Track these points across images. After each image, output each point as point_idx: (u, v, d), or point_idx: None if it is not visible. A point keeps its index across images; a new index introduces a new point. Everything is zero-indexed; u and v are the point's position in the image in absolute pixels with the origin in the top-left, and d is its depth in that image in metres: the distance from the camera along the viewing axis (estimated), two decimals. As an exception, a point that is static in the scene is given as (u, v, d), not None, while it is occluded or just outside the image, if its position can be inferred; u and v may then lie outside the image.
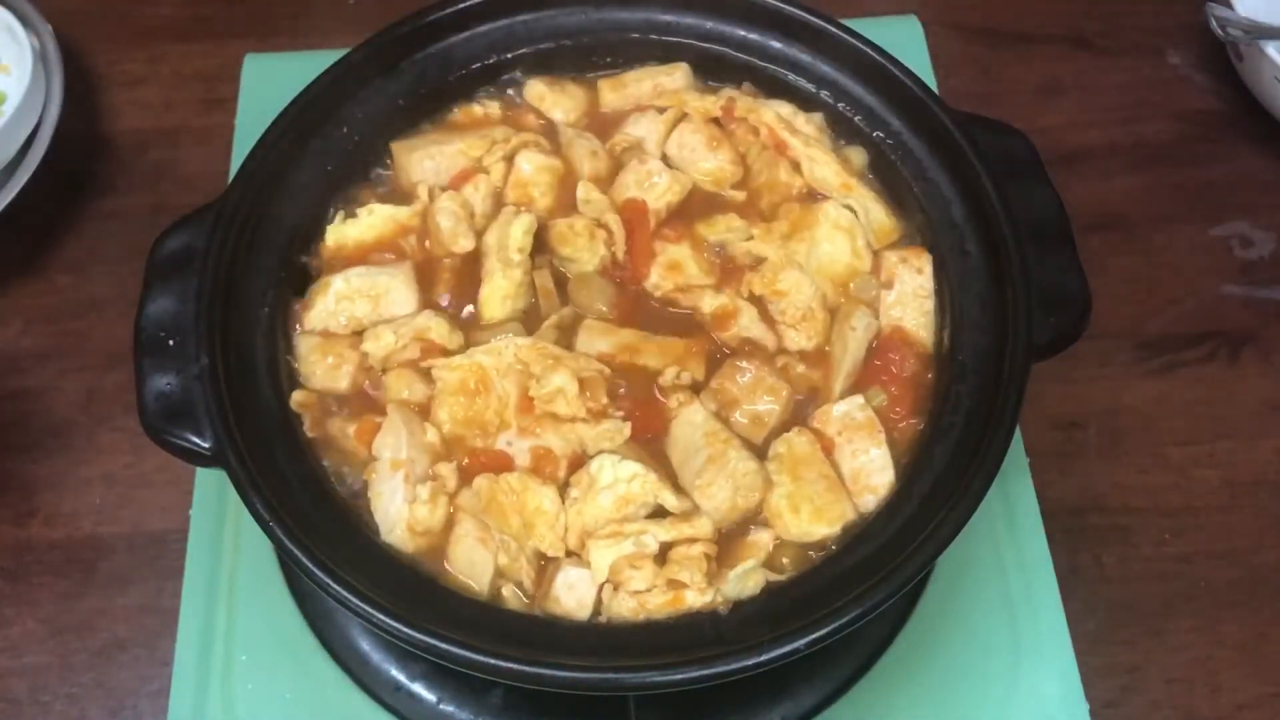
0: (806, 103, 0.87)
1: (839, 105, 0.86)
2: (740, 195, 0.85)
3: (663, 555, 0.71)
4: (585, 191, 0.83)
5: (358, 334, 0.78)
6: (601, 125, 0.88)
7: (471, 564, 0.71)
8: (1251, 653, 0.88)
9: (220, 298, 0.75)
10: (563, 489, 0.73)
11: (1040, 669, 0.82)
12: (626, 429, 0.74)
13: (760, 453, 0.75)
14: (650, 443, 0.75)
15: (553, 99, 0.88)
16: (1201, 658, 0.88)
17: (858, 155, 0.86)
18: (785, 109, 0.86)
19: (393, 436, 0.73)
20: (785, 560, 0.72)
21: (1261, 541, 0.92)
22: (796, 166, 0.85)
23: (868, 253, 0.82)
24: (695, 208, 0.85)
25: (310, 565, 0.66)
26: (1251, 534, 0.93)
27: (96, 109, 1.12)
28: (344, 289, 0.79)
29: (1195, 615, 0.89)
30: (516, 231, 0.80)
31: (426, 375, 0.76)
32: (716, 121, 0.87)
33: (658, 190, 0.83)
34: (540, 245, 0.81)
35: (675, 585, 0.70)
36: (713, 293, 0.80)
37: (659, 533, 0.70)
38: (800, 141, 0.84)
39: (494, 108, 0.89)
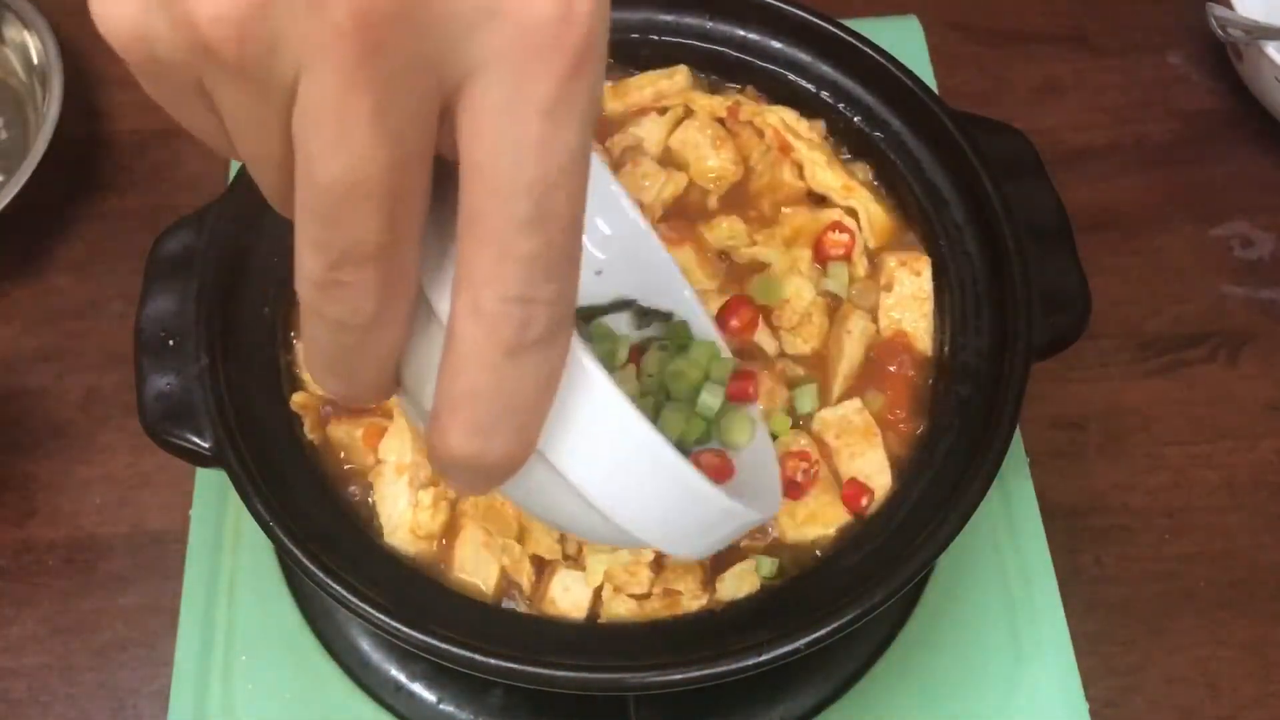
0: (808, 109, 0.87)
1: (839, 105, 0.86)
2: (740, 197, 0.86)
3: (658, 561, 0.71)
4: None
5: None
6: (602, 128, 0.88)
7: (477, 566, 0.71)
8: (1251, 653, 0.88)
9: (220, 298, 0.75)
10: None
11: (1040, 669, 0.82)
12: None
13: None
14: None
15: (552, 100, 0.88)
16: (1201, 658, 0.88)
17: (861, 171, 0.86)
18: (789, 115, 0.86)
19: (398, 440, 0.73)
20: (782, 563, 0.72)
21: (1261, 541, 0.92)
22: (799, 169, 0.85)
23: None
24: (694, 208, 0.85)
25: (310, 565, 0.66)
26: (1251, 534, 0.93)
27: (96, 109, 1.12)
28: (345, 293, 0.79)
29: (1195, 615, 0.89)
30: None
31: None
32: (721, 121, 0.88)
33: (652, 192, 0.83)
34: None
35: (670, 594, 0.70)
36: (716, 296, 0.80)
37: (656, 543, 0.70)
38: (804, 145, 0.84)
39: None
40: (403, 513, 0.71)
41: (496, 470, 0.42)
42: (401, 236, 0.37)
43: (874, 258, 0.83)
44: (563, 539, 0.72)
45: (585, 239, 0.63)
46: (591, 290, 0.64)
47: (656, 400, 0.63)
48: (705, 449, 0.61)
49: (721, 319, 0.78)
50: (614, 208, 0.63)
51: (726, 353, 0.65)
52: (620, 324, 0.65)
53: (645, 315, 0.65)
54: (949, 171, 0.82)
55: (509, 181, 0.36)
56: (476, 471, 0.41)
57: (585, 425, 0.43)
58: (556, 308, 0.38)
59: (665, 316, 0.65)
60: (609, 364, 0.62)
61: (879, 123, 0.85)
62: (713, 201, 0.85)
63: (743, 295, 0.79)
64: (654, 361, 0.63)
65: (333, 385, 0.42)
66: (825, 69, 0.86)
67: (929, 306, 0.80)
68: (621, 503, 0.46)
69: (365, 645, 0.82)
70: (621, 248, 0.64)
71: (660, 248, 0.65)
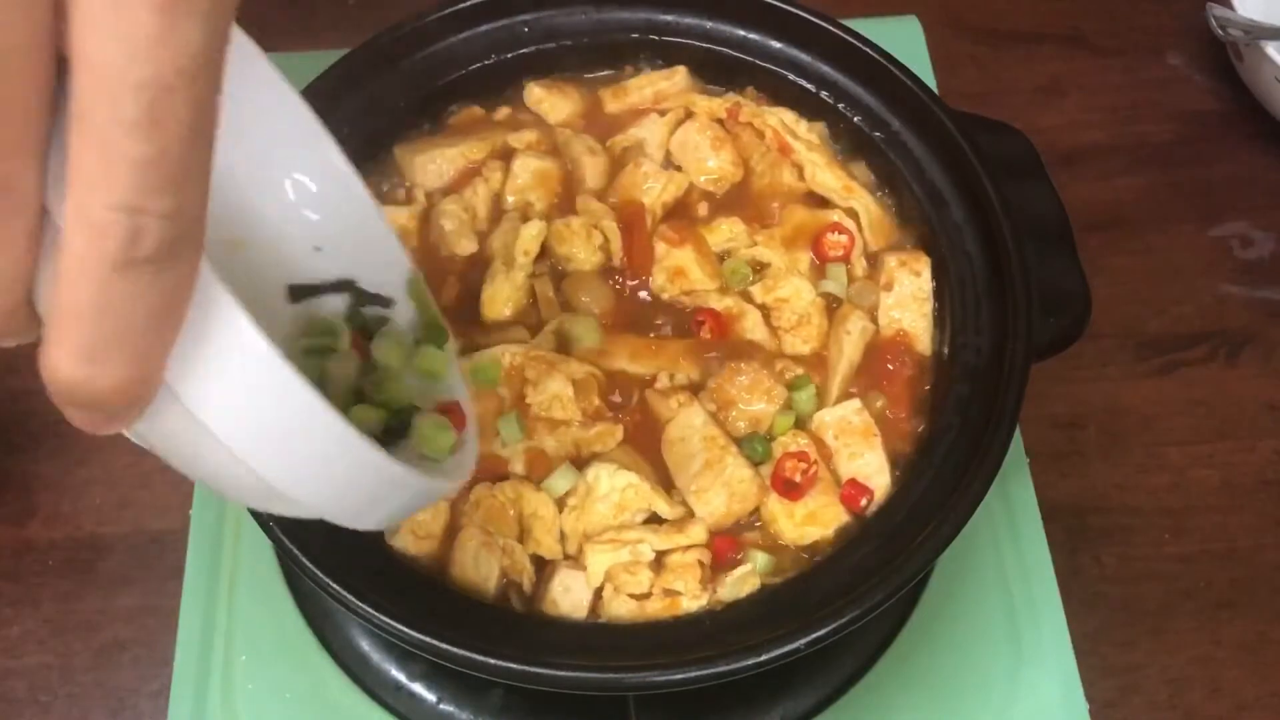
0: (809, 110, 0.87)
1: (839, 106, 0.86)
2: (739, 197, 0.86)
3: (659, 561, 0.71)
4: (584, 202, 0.83)
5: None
6: (602, 129, 0.88)
7: (478, 567, 0.71)
8: (1251, 653, 0.88)
9: (220, 298, 0.74)
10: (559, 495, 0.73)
11: (1040, 669, 0.82)
12: (619, 431, 0.75)
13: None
14: (647, 445, 0.75)
15: (551, 102, 0.88)
16: (1201, 658, 0.88)
17: (861, 171, 0.86)
18: (788, 116, 0.86)
19: (399, 439, 0.73)
20: (782, 563, 0.72)
21: (1261, 541, 0.93)
22: (799, 171, 0.85)
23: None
24: (694, 209, 0.85)
25: (310, 565, 0.66)
26: (1251, 534, 0.93)
27: (96, 109, 1.12)
28: (347, 295, 0.79)
29: (1195, 615, 0.89)
30: (527, 234, 0.80)
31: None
32: (721, 123, 0.88)
33: (653, 194, 0.83)
34: (541, 248, 0.81)
35: (671, 594, 0.70)
36: (717, 295, 0.80)
37: (655, 542, 0.71)
38: (803, 146, 0.84)
39: (493, 109, 0.89)
40: (403, 513, 0.71)
41: (113, 402, 0.38)
42: (7, 141, 0.34)
43: (874, 258, 0.83)
44: (563, 540, 0.72)
45: (294, 199, 0.60)
46: (310, 267, 0.61)
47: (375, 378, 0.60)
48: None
49: (693, 330, 0.78)
50: (336, 180, 0.60)
51: (451, 340, 0.63)
52: (336, 305, 0.62)
53: (365, 299, 0.62)
54: (949, 171, 0.82)
55: (117, 78, 0.33)
56: (91, 403, 0.38)
57: (224, 368, 0.38)
58: (175, 224, 0.35)
59: (387, 302, 0.63)
60: (326, 355, 0.59)
61: (879, 123, 0.85)
62: (713, 202, 0.85)
63: (707, 307, 0.79)
64: (391, 351, 0.60)
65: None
66: (825, 69, 0.86)
67: (929, 306, 0.80)
68: (267, 457, 0.41)
69: (365, 645, 0.82)
70: (345, 224, 0.61)
71: (388, 230, 0.62)
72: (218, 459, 0.41)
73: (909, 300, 0.80)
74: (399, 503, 0.49)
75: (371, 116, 0.84)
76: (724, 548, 0.72)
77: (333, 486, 0.44)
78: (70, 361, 0.37)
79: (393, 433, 0.57)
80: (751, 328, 0.79)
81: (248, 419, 0.40)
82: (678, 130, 0.87)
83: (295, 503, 0.44)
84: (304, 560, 0.66)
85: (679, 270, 0.80)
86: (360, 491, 0.46)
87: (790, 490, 0.73)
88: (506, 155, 0.86)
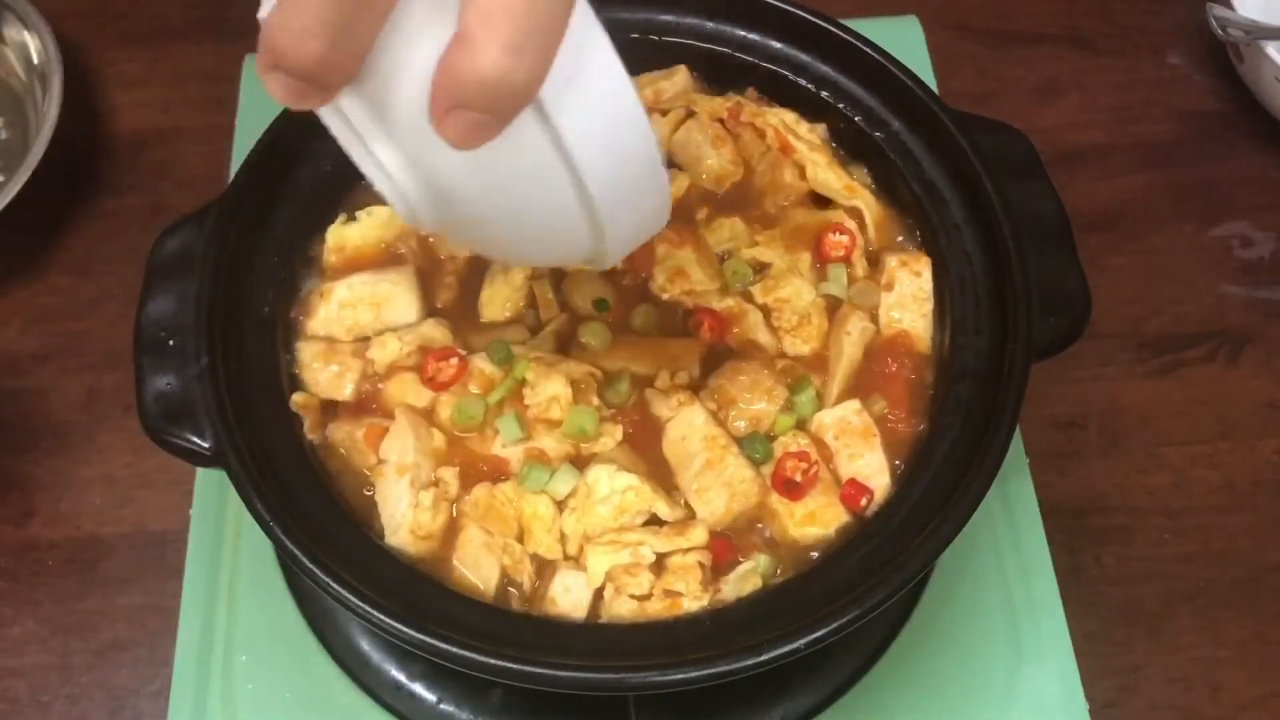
0: (809, 110, 0.87)
1: (839, 106, 0.86)
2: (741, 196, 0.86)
3: (660, 563, 0.71)
4: None
5: (360, 341, 0.78)
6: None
7: (478, 567, 0.71)
8: (1251, 653, 0.88)
9: (220, 298, 0.75)
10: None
11: (1040, 669, 0.82)
12: (618, 432, 0.75)
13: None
14: (647, 445, 0.75)
15: (552, 101, 0.88)
16: (1201, 658, 0.88)
17: (861, 171, 0.86)
18: (789, 116, 0.86)
19: (399, 441, 0.73)
20: (782, 563, 0.72)
21: (1261, 541, 0.93)
22: (800, 170, 0.85)
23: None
24: (695, 209, 0.85)
25: (310, 565, 0.66)
26: (1251, 534, 0.93)
27: (96, 109, 1.12)
28: (347, 296, 0.79)
29: (1195, 615, 0.89)
30: None
31: (430, 380, 0.76)
32: (721, 122, 0.87)
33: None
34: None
35: (671, 594, 0.70)
36: (718, 296, 0.80)
37: (656, 544, 0.71)
38: (804, 146, 0.84)
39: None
40: (404, 513, 0.71)
41: (517, 96, 0.44)
42: None
43: (874, 258, 0.83)
44: (563, 540, 0.72)
45: None
46: None
47: None
48: None
49: (693, 330, 0.78)
50: None
51: None
52: None
53: None
54: (949, 171, 0.82)
55: None
56: (496, 96, 0.43)
57: (587, 80, 0.46)
58: None
59: None
60: None
61: (879, 123, 0.85)
62: (714, 202, 0.85)
63: (706, 307, 0.79)
64: None
65: (313, 47, 0.43)
66: (826, 69, 0.86)
67: (929, 307, 0.80)
68: (600, 166, 0.48)
69: (365, 645, 0.82)
70: None
71: None
72: (546, 176, 0.48)
73: (909, 301, 0.80)
74: (649, 231, 0.57)
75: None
76: (724, 548, 0.72)
77: (631, 204, 0.51)
78: (496, 55, 0.42)
79: None
80: (752, 328, 0.79)
81: (596, 128, 0.48)
82: (679, 130, 0.87)
83: (596, 223, 0.51)
84: (304, 560, 0.66)
85: (679, 271, 0.80)
86: (644, 208, 0.53)
87: (791, 490, 0.73)
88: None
